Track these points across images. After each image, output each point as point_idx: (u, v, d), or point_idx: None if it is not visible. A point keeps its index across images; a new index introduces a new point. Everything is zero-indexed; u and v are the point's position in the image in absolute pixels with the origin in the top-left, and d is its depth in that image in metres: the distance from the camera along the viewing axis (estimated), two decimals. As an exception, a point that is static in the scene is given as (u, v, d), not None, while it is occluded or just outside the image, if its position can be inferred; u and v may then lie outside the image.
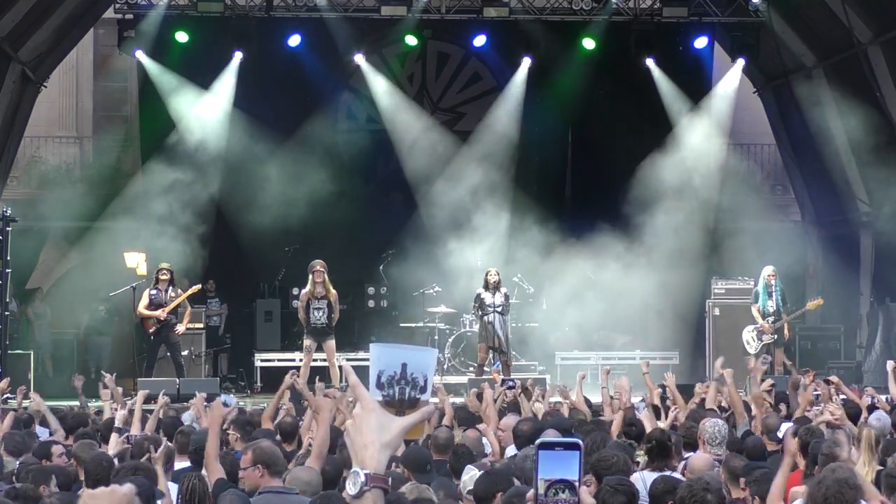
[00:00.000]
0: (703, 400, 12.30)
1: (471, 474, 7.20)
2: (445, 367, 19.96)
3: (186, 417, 11.35)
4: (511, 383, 13.04)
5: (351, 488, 2.72)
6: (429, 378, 2.72)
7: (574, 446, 2.72)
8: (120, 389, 12.98)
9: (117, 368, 20.07)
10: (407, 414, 2.71)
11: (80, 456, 8.40)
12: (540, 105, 21.90)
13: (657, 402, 12.08)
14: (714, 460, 7.94)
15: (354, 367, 2.81)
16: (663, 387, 12.79)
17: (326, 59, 21.48)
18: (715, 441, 8.61)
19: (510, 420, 10.22)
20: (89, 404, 13.82)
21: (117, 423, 9.91)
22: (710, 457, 7.61)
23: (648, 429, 9.72)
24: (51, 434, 11.32)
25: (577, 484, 2.70)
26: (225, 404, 6.96)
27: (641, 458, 8.57)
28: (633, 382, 13.65)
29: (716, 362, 11.78)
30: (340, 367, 17.37)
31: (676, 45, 21.76)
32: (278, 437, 9.59)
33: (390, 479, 2.74)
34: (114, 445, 9.15)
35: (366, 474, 2.70)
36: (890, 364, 13.18)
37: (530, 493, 2.72)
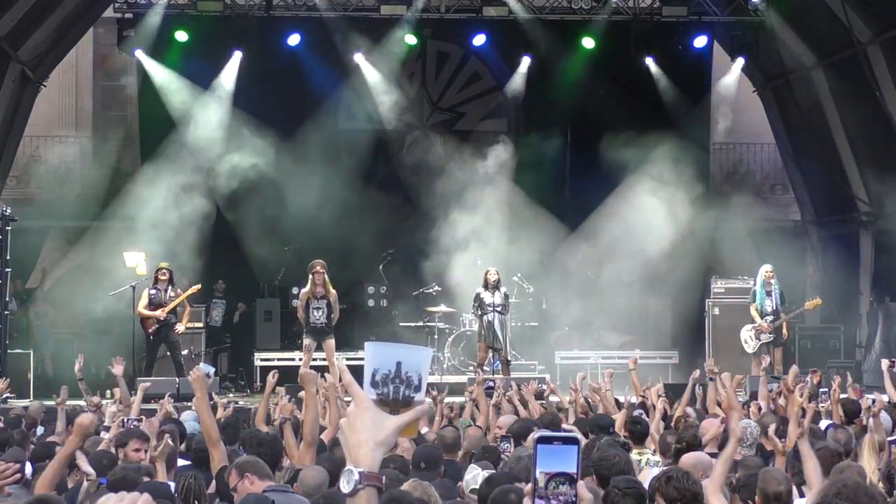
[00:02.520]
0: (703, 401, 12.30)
1: (473, 473, 7.19)
2: (445, 366, 19.96)
3: (186, 416, 11.33)
4: (491, 383, 13.04)
5: (345, 486, 2.72)
6: (423, 377, 2.71)
7: (572, 440, 2.72)
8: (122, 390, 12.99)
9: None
10: (401, 412, 2.71)
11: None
12: (539, 104, 21.90)
13: (639, 399, 12.06)
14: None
15: (352, 367, 2.81)
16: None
17: (326, 59, 21.47)
18: (746, 442, 8.68)
19: (505, 420, 10.24)
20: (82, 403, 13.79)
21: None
22: (702, 456, 7.62)
23: (653, 429, 9.73)
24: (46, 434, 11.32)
25: (575, 477, 2.70)
26: (207, 375, 6.92)
27: (640, 457, 8.57)
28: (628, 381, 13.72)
29: (706, 363, 11.78)
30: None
31: (676, 44, 21.76)
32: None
33: (384, 478, 2.73)
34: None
35: (360, 472, 2.69)
36: (885, 363, 13.14)
37: (528, 486, 2.72)
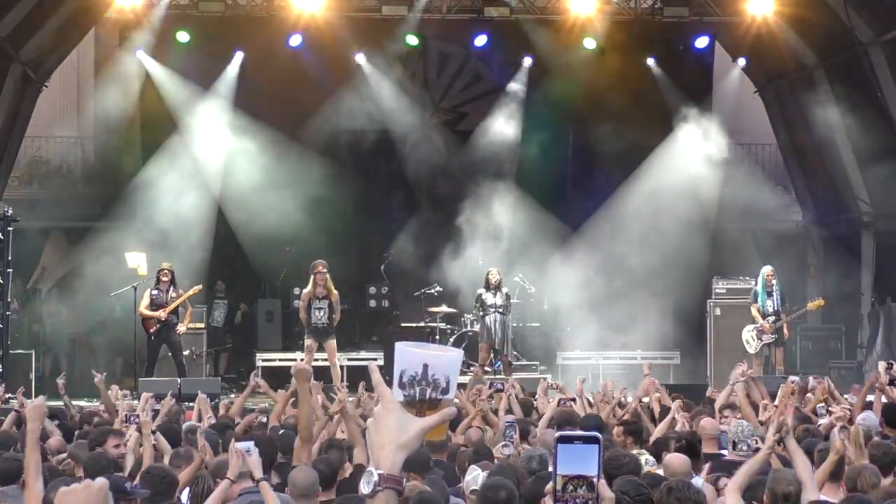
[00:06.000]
0: (711, 400, 12.30)
1: (474, 474, 7.19)
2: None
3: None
4: (499, 385, 13.02)
5: (364, 488, 2.71)
6: (452, 380, 2.69)
7: (593, 440, 2.70)
8: (112, 392, 13.01)
9: (117, 368, 20.16)
10: (427, 415, 2.70)
11: (76, 455, 8.40)
12: (541, 104, 21.90)
13: (654, 404, 12.07)
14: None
15: (353, 368, 2.80)
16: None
17: (327, 59, 21.44)
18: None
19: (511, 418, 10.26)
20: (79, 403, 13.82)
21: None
22: (686, 458, 7.61)
23: (651, 430, 9.74)
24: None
25: (594, 480, 2.68)
26: (247, 451, 6.71)
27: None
28: (629, 383, 13.72)
29: (736, 370, 11.56)
30: (342, 367, 17.42)
31: (677, 44, 21.77)
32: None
33: (404, 480, 2.72)
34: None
35: (379, 474, 2.68)
36: (881, 365, 13.12)
37: (549, 485, 2.70)
